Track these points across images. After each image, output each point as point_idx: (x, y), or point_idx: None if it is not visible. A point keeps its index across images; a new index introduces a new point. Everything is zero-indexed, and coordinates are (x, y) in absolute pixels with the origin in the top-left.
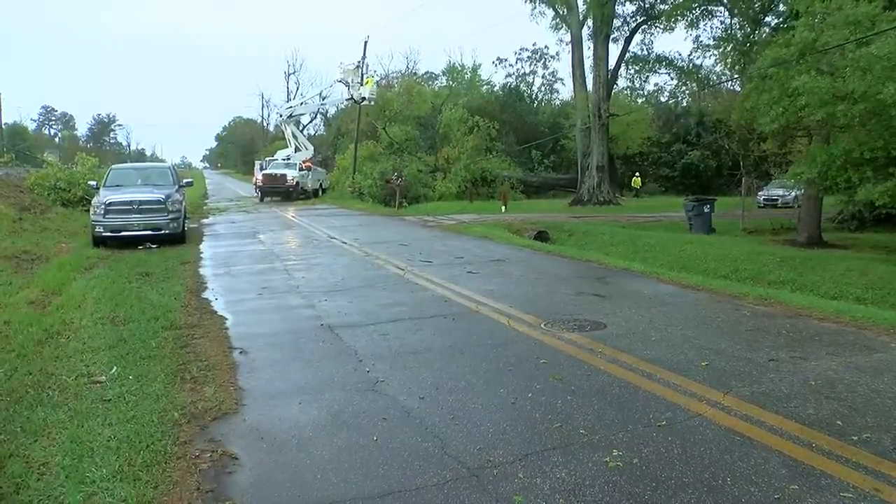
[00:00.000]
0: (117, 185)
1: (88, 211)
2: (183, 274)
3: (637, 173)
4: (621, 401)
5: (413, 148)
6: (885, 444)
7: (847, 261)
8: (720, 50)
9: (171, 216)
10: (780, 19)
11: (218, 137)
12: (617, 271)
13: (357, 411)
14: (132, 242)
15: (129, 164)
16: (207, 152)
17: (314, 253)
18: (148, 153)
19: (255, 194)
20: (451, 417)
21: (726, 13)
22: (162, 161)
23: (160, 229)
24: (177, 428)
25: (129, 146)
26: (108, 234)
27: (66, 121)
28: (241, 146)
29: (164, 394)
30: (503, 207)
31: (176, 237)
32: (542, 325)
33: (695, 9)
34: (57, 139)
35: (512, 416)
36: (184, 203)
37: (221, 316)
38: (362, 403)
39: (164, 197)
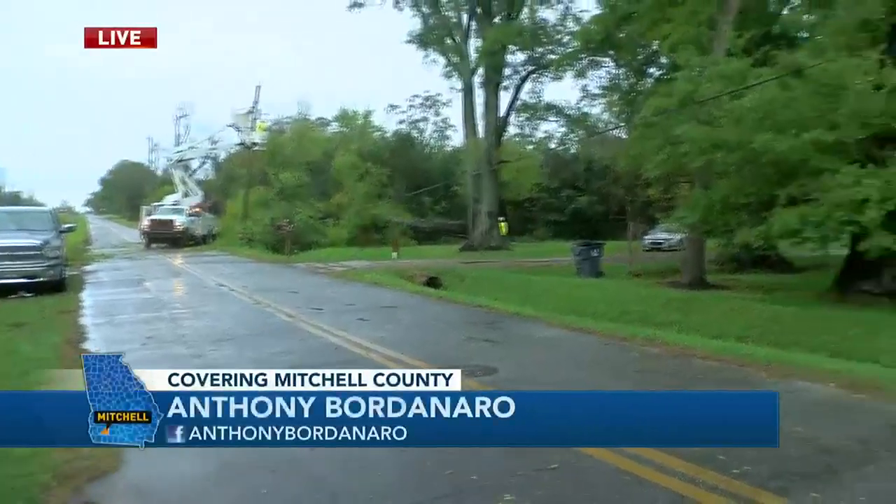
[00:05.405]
0: None
1: None
2: (61, 324)
3: (502, 218)
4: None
5: (305, 194)
6: (762, 474)
7: (728, 301)
8: (607, 99)
9: (48, 263)
10: (663, 71)
11: (102, 181)
12: (507, 316)
13: (247, 463)
14: (4, 291)
15: (2, 208)
16: (91, 196)
17: (202, 301)
18: (24, 196)
19: (142, 240)
20: (341, 467)
21: (612, 64)
22: (41, 205)
23: (36, 277)
24: (46, 492)
25: (2, 189)
26: None
27: None
28: (128, 190)
29: (33, 455)
30: (394, 254)
31: (54, 285)
32: None
33: (582, 59)
34: None
35: (402, 464)
36: (63, 249)
37: None
38: (252, 455)
39: (40, 243)
